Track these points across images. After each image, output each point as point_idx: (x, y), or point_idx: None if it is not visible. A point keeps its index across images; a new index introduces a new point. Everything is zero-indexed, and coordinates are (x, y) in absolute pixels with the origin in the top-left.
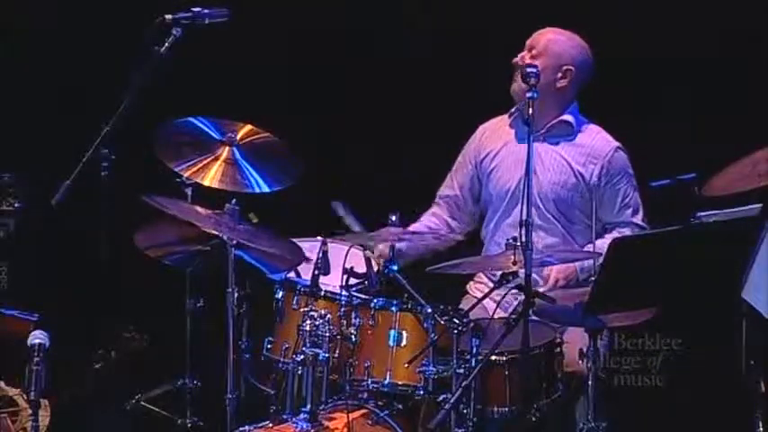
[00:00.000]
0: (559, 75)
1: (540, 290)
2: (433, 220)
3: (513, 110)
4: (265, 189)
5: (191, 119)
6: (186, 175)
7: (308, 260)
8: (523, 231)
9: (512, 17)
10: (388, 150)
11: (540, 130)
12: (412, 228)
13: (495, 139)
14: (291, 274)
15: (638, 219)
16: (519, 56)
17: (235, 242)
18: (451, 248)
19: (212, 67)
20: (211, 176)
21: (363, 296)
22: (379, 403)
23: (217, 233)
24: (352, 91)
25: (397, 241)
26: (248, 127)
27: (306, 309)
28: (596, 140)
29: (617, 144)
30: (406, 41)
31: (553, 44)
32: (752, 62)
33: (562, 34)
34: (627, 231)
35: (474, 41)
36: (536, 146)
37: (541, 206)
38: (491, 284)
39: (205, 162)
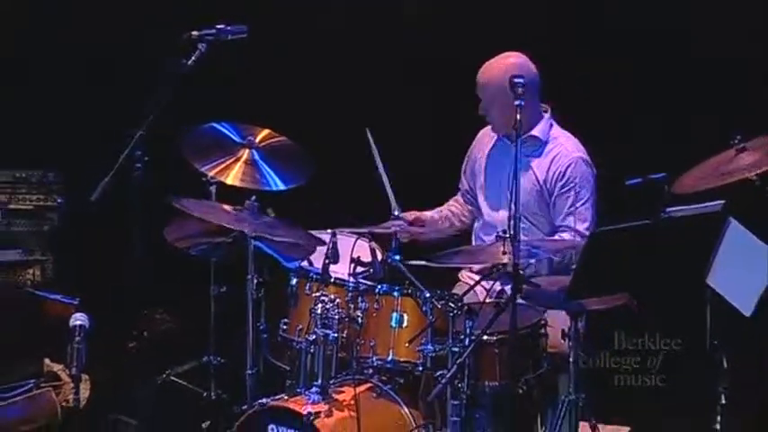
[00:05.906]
0: (511, 93)
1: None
2: (455, 205)
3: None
4: (281, 187)
5: (214, 124)
6: (211, 174)
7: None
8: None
9: (513, 17)
10: (390, 149)
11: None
12: (436, 211)
13: (482, 147)
14: (304, 263)
15: (582, 228)
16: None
17: (254, 234)
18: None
19: (230, 75)
20: (233, 175)
21: (369, 282)
22: (383, 378)
23: (237, 228)
24: (356, 91)
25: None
26: (266, 131)
27: (317, 294)
28: (561, 149)
29: (580, 155)
30: (410, 40)
31: (487, 75)
32: (721, 66)
33: (491, 62)
34: (566, 236)
35: (476, 38)
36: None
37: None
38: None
39: (227, 163)
